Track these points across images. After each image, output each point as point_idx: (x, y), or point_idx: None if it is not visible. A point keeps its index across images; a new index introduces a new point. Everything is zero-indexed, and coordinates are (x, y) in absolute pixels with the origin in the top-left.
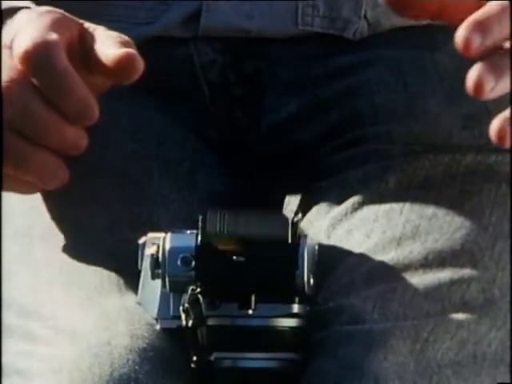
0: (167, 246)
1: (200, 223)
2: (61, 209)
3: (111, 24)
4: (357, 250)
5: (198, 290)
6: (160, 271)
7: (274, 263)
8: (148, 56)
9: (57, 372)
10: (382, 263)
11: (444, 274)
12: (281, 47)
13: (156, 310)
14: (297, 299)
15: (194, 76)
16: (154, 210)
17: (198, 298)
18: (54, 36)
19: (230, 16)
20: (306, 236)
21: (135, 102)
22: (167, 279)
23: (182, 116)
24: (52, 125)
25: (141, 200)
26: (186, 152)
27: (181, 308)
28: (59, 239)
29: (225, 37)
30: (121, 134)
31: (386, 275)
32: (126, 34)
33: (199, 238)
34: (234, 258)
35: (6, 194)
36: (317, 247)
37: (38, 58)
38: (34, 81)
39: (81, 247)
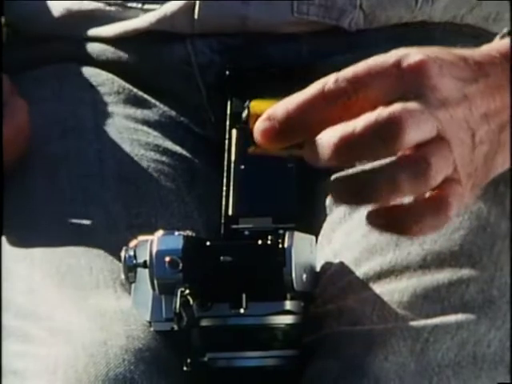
0: (154, 249)
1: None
2: (59, 209)
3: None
4: (355, 251)
5: (188, 291)
6: (148, 274)
7: (260, 261)
8: (146, 56)
9: (52, 372)
10: (380, 265)
11: (443, 275)
12: (278, 47)
13: (149, 313)
14: (289, 296)
15: (192, 76)
16: (153, 211)
17: (189, 300)
18: None
19: (225, 4)
20: (293, 232)
21: (133, 102)
22: (155, 282)
23: (179, 116)
24: None
25: (139, 201)
26: (184, 152)
27: (173, 311)
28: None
29: (221, 34)
30: (118, 134)
31: (385, 277)
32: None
33: (186, 240)
34: (222, 257)
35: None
36: (314, 240)
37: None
38: None
39: (78, 247)
